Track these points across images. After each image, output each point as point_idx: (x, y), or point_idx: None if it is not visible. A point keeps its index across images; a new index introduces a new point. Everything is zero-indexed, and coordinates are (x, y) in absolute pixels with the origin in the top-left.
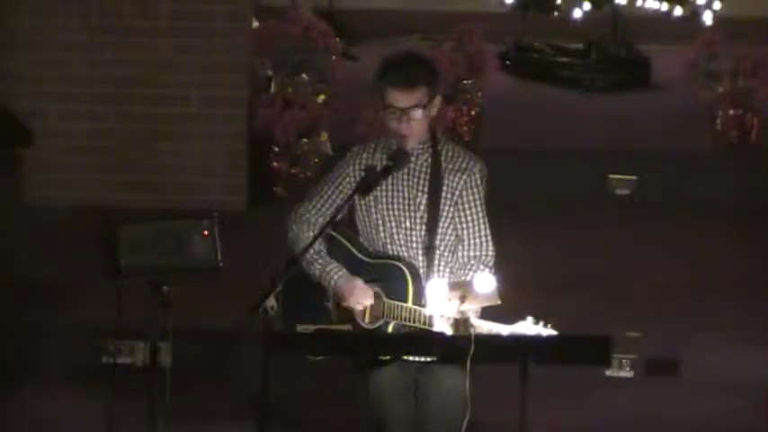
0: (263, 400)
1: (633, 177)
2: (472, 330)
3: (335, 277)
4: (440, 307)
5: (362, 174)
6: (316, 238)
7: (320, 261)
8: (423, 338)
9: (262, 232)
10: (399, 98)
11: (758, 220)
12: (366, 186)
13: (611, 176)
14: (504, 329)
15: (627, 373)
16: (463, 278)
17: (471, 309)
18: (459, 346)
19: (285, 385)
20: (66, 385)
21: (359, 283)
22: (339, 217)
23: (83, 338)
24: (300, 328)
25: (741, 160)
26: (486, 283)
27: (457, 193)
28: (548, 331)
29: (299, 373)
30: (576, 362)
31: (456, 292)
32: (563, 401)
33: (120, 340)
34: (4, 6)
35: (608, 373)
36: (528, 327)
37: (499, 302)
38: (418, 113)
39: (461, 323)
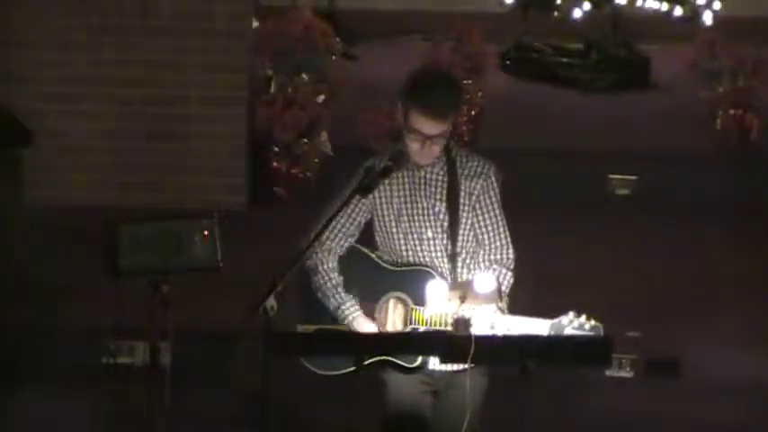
0: (264, 400)
1: (633, 177)
2: (472, 330)
3: (350, 317)
4: (440, 307)
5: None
6: (315, 238)
7: (337, 296)
8: (422, 338)
9: (262, 232)
10: (427, 126)
11: (758, 220)
12: (365, 188)
13: (611, 176)
14: (543, 325)
15: (627, 373)
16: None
17: (497, 306)
18: (459, 346)
19: (285, 385)
20: (66, 385)
21: (372, 329)
22: (354, 230)
23: (83, 338)
24: (300, 328)
25: (741, 160)
26: (486, 283)
27: (474, 197)
28: (590, 324)
29: (299, 373)
30: (576, 362)
31: (456, 292)
32: (563, 401)
33: (120, 340)
34: (4, 6)
35: (608, 373)
36: (569, 320)
37: (499, 303)
38: (442, 140)
39: (461, 323)
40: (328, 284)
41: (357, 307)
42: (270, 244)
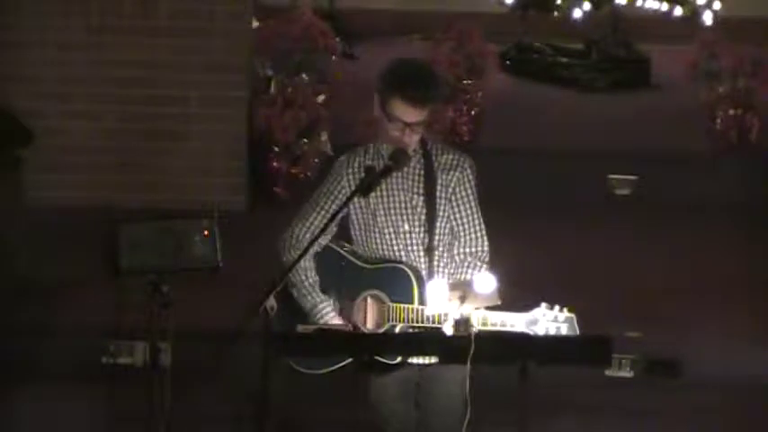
0: (263, 400)
1: (633, 177)
2: (472, 330)
3: (326, 318)
4: (440, 307)
5: (362, 175)
6: (316, 238)
7: (313, 296)
8: (422, 339)
9: (262, 232)
10: (409, 115)
11: (758, 220)
12: (366, 187)
13: (611, 176)
14: (518, 318)
15: (627, 373)
16: (462, 277)
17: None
18: (459, 346)
19: (285, 385)
20: (66, 385)
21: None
22: (335, 224)
23: (83, 338)
24: (300, 328)
25: (741, 160)
26: (486, 283)
27: (450, 190)
28: (564, 315)
29: (299, 373)
30: (576, 362)
31: (456, 292)
32: (563, 401)
33: (120, 340)
34: (3, 6)
35: (608, 373)
36: (543, 313)
37: (499, 302)
38: (421, 128)
39: (461, 323)
40: (305, 283)
41: (332, 308)
42: (270, 244)
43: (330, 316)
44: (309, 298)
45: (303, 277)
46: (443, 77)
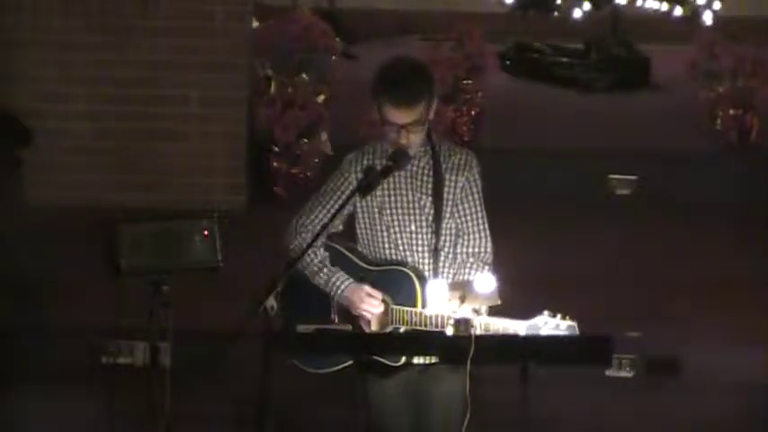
0: (263, 400)
1: (633, 177)
2: (472, 331)
3: (342, 287)
4: (439, 307)
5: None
6: (316, 237)
7: (325, 270)
8: (423, 339)
9: (262, 232)
10: (400, 116)
11: (758, 220)
12: (366, 186)
13: (611, 176)
14: (520, 326)
15: (627, 373)
16: (463, 278)
17: (481, 307)
18: (459, 347)
19: (285, 385)
20: (66, 385)
21: (367, 289)
22: (339, 224)
23: (83, 338)
24: (300, 327)
25: (741, 160)
26: (486, 283)
27: (458, 190)
28: (566, 323)
29: (299, 373)
30: (576, 362)
31: (456, 292)
32: (563, 401)
33: (120, 340)
34: (4, 6)
35: (608, 373)
36: (545, 321)
37: (499, 302)
38: (418, 128)
39: (462, 323)
40: (314, 261)
41: (347, 276)
42: (270, 244)
43: (346, 284)
44: (321, 274)
45: (312, 257)
46: (427, 70)
